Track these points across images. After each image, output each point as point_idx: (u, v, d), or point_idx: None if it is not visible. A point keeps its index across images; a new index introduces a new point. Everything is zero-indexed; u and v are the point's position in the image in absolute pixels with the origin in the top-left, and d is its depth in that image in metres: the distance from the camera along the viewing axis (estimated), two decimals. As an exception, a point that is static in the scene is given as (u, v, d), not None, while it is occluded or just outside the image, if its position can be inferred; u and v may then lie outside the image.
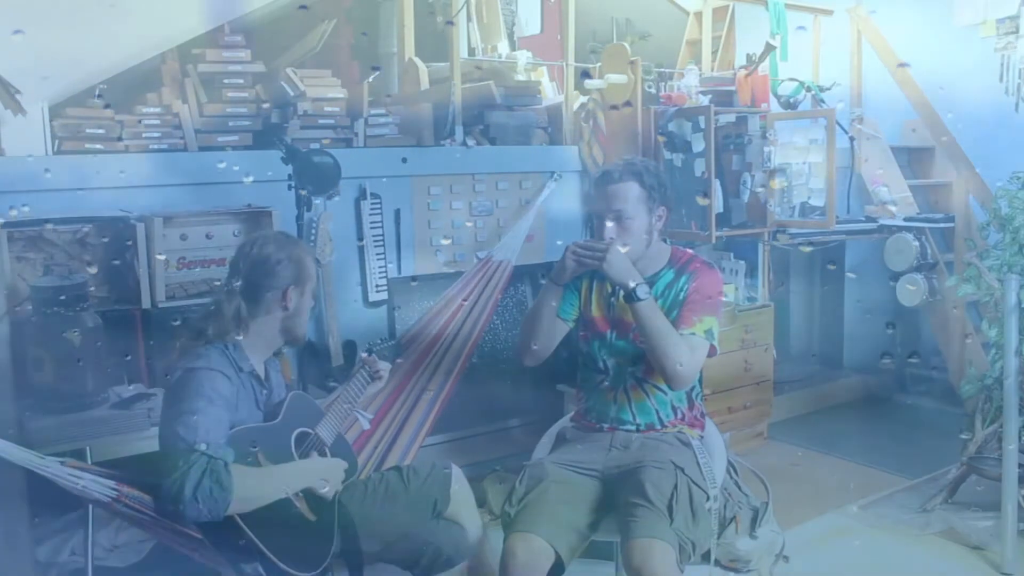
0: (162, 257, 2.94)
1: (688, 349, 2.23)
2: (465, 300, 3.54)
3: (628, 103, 3.99)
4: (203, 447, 1.84)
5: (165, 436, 1.94)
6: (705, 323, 2.29)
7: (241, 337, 2.10)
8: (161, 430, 2.00)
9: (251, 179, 3.14)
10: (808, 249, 4.64)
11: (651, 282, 2.32)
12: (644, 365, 2.34)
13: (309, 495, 2.09)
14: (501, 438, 4.11)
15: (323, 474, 2.11)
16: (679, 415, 2.40)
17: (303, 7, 3.75)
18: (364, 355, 2.43)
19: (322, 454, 2.20)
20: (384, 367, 2.41)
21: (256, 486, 1.95)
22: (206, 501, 1.81)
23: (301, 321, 2.19)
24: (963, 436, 3.53)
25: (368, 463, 3.09)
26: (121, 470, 2.08)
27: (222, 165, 3.24)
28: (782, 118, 4.25)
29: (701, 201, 3.94)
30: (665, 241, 2.48)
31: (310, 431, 2.19)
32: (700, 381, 2.50)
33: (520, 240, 3.78)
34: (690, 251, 2.47)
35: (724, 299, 2.82)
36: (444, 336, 3.45)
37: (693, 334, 2.26)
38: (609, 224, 2.31)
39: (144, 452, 2.58)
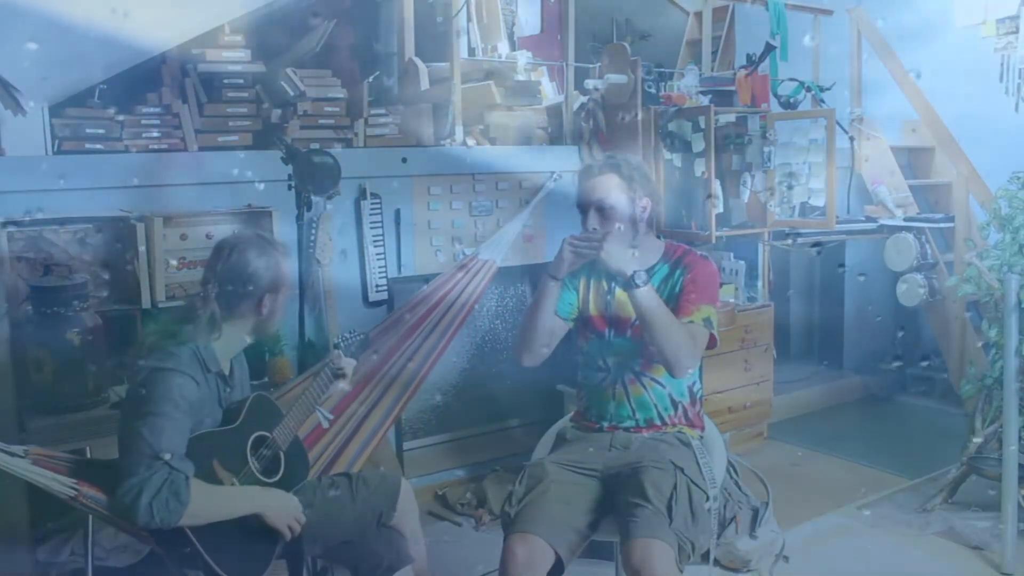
0: (174, 263, 2.95)
1: (688, 336, 2.24)
2: (441, 299, 3.47)
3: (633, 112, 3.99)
4: (167, 456, 1.85)
5: (127, 435, 1.93)
6: (703, 312, 2.30)
7: (214, 340, 2.09)
8: (122, 427, 1.98)
9: (262, 186, 3.15)
10: (817, 251, 4.65)
11: None
12: (643, 360, 2.35)
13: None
14: (501, 438, 4.11)
15: (279, 507, 2.09)
16: (679, 410, 2.40)
17: (315, 15, 3.76)
18: (334, 352, 2.40)
19: (276, 459, 2.19)
20: (348, 365, 2.38)
21: (210, 505, 1.96)
22: (160, 512, 1.83)
23: (274, 324, 2.19)
24: (975, 440, 3.52)
25: (320, 459, 3.02)
26: (87, 467, 2.08)
27: (223, 165, 3.25)
28: (782, 118, 4.25)
29: (710, 204, 3.93)
30: (659, 237, 2.49)
31: (267, 435, 2.18)
32: (701, 378, 2.50)
33: (507, 240, 3.75)
34: (685, 246, 2.48)
35: (720, 290, 2.82)
36: (414, 335, 3.36)
37: (691, 322, 2.27)
38: (592, 215, 2.34)
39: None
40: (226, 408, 2.14)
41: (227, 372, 2.17)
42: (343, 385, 2.40)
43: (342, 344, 2.42)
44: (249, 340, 2.19)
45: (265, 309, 2.13)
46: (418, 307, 3.44)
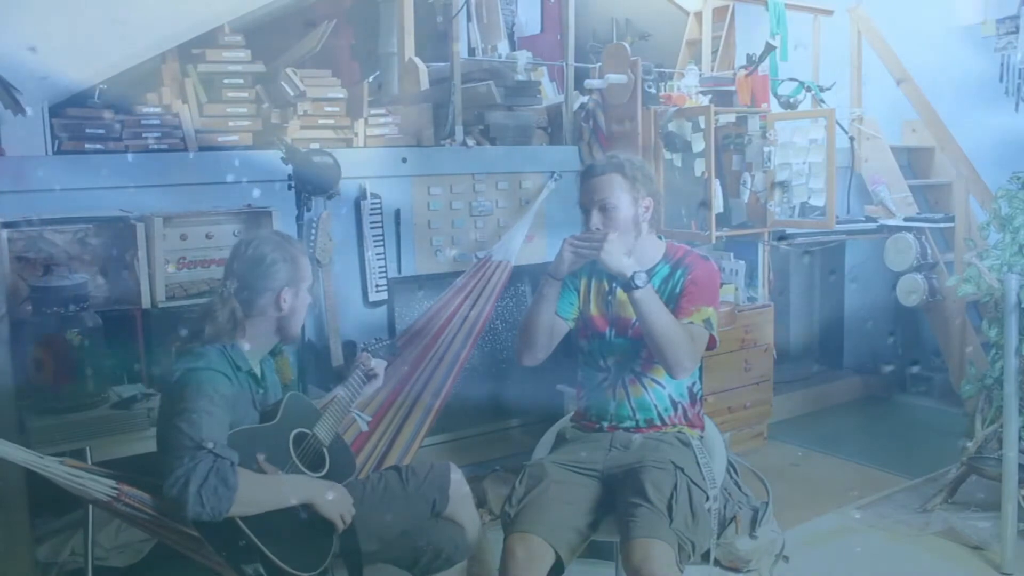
0: (172, 267, 2.95)
1: (688, 337, 2.24)
2: (463, 300, 3.51)
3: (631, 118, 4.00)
4: (210, 445, 1.84)
5: (167, 434, 1.93)
6: (703, 313, 2.30)
7: (238, 338, 2.10)
8: (161, 428, 1.99)
9: (257, 191, 3.16)
10: (807, 256, 4.66)
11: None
12: (643, 360, 2.35)
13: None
14: (501, 438, 4.11)
15: (329, 497, 2.08)
16: (679, 410, 2.40)
17: (310, 23, 3.76)
18: (362, 354, 2.42)
19: (320, 455, 2.19)
20: (379, 366, 2.40)
21: (260, 492, 1.95)
22: (210, 499, 1.81)
23: (296, 320, 2.19)
24: (963, 443, 3.53)
25: (367, 463, 3.08)
26: (120, 469, 2.08)
27: (223, 165, 3.24)
28: (782, 118, 4.25)
29: (704, 210, 3.94)
30: (660, 238, 2.49)
31: (308, 431, 2.19)
32: (700, 379, 2.50)
33: (519, 240, 3.76)
34: (685, 246, 2.48)
35: (721, 292, 2.83)
36: (442, 336, 3.42)
37: (691, 323, 2.27)
38: (595, 215, 2.34)
39: (144, 452, 2.57)
40: (262, 410, 2.15)
41: (258, 374, 2.17)
42: (376, 386, 2.41)
43: (369, 348, 2.42)
44: (276, 339, 2.19)
45: (285, 304, 2.13)
46: (443, 310, 3.49)
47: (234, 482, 1.84)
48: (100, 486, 1.91)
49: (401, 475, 2.34)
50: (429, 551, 2.24)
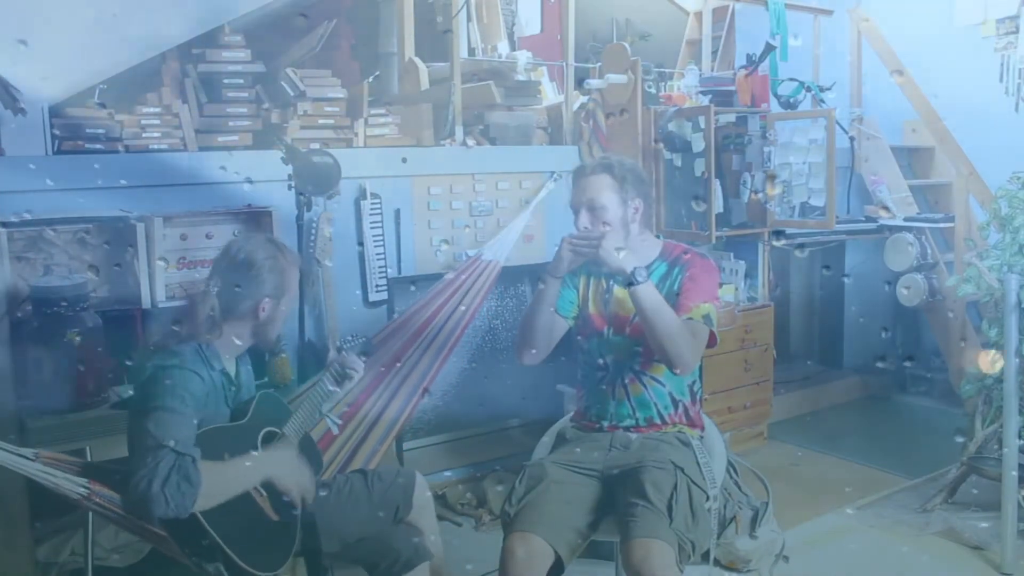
0: (170, 264, 2.95)
1: (689, 333, 2.24)
2: (447, 300, 3.46)
3: (624, 110, 3.99)
4: (172, 443, 1.85)
5: (134, 432, 1.94)
6: (702, 309, 2.30)
7: (215, 338, 2.10)
8: (130, 426, 2.00)
9: (248, 187, 3.16)
10: (801, 255, 4.65)
11: None
12: (642, 358, 2.35)
13: (273, 494, 2.09)
14: (501, 438, 4.11)
15: (289, 472, 2.09)
16: (680, 408, 2.41)
17: (303, 15, 3.76)
18: (335, 353, 2.43)
19: None
20: (352, 364, 2.40)
21: (221, 480, 1.95)
22: (174, 497, 1.82)
23: (272, 329, 2.20)
24: (959, 439, 3.53)
25: (334, 462, 3.02)
26: (96, 468, 2.08)
27: (223, 165, 3.24)
28: (782, 118, 4.25)
29: (697, 207, 3.94)
30: (659, 237, 2.49)
31: (277, 431, 2.19)
32: (700, 377, 2.50)
33: (511, 241, 3.74)
34: (683, 245, 2.49)
35: (720, 290, 2.83)
36: (421, 336, 3.37)
37: (691, 319, 2.27)
38: (583, 215, 2.35)
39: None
40: (233, 408, 2.15)
41: (232, 372, 2.18)
42: (350, 385, 2.41)
43: (345, 346, 2.42)
44: (250, 343, 2.20)
45: (263, 314, 2.14)
46: (423, 309, 3.43)
47: (197, 479, 1.85)
48: (72, 485, 1.91)
49: (367, 479, 2.35)
50: (389, 555, 2.25)
